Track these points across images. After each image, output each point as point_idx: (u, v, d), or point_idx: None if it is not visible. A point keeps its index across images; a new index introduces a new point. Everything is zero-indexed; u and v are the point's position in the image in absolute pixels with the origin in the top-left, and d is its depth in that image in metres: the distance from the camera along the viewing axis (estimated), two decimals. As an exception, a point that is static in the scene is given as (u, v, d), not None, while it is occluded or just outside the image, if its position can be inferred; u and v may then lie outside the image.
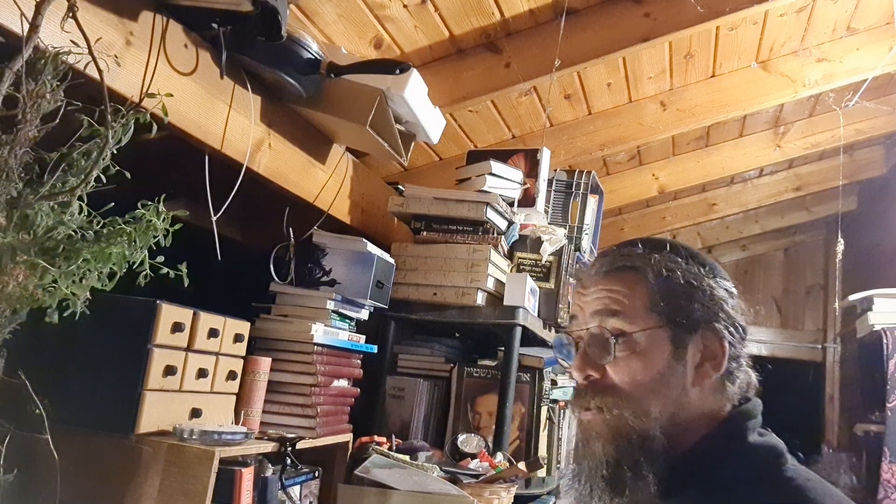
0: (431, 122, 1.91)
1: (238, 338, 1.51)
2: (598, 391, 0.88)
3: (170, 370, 1.32)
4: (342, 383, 1.83)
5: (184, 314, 1.35)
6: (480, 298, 2.09)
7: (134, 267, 1.14)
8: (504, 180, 2.25)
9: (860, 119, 3.36)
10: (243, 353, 1.54)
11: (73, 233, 1.06)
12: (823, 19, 2.49)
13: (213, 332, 1.43)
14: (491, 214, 2.10)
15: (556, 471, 2.47)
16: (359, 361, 1.91)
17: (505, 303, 2.16)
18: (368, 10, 1.84)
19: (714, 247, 5.09)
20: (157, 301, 1.29)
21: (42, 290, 1.04)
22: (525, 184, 2.33)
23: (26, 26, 0.98)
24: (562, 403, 2.54)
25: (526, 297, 2.16)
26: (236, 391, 1.53)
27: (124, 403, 1.26)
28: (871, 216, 4.39)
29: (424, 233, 2.18)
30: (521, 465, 2.00)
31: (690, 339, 0.88)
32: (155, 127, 1.16)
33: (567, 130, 2.79)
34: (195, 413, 1.40)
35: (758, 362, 0.96)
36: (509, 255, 2.33)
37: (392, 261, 2.02)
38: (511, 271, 2.31)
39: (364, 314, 1.92)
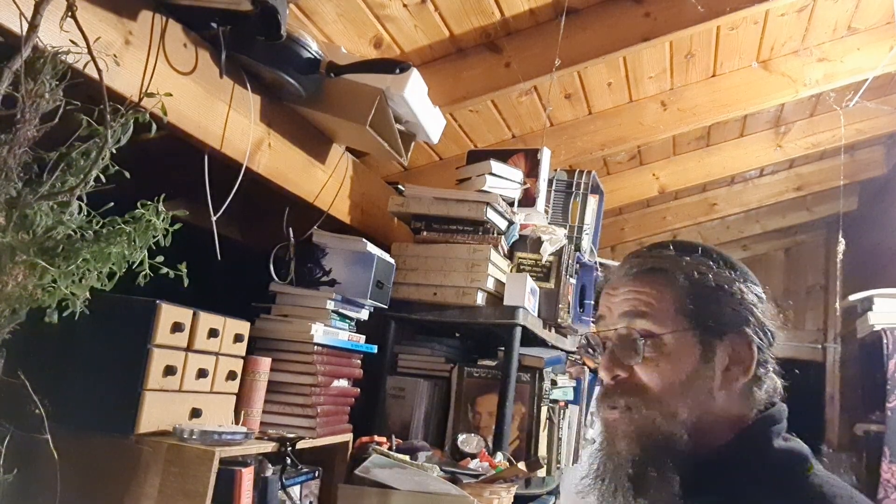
0: (431, 121, 1.91)
1: (238, 338, 1.51)
2: (626, 391, 0.89)
3: (170, 370, 1.31)
4: (342, 383, 1.83)
5: (184, 314, 1.35)
6: (480, 298, 2.09)
7: (134, 267, 1.14)
8: (504, 180, 2.25)
9: (861, 119, 3.36)
10: (243, 353, 1.54)
11: (72, 233, 1.06)
12: (824, 19, 2.49)
13: (213, 332, 1.42)
14: (491, 214, 2.10)
15: (557, 471, 2.47)
16: (359, 361, 1.91)
17: (505, 303, 2.15)
18: (368, 10, 1.84)
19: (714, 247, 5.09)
20: (157, 301, 1.29)
21: (42, 289, 1.04)
22: (525, 184, 2.33)
23: (25, 26, 0.98)
24: (562, 403, 2.54)
25: (526, 297, 2.15)
26: (236, 391, 1.53)
27: (124, 403, 1.26)
28: (871, 216, 4.39)
29: (424, 233, 2.18)
30: (521, 465, 2.00)
31: (719, 342, 0.88)
32: (154, 127, 1.16)
33: (567, 130, 2.78)
34: (195, 413, 1.40)
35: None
36: (509, 255, 2.32)
37: (392, 261, 2.02)
38: (511, 271, 2.31)
39: (364, 314, 1.92)
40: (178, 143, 1.44)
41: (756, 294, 0.91)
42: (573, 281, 2.52)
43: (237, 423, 1.53)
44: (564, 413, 2.57)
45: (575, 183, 2.62)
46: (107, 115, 1.07)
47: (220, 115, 1.50)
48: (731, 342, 0.88)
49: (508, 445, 2.13)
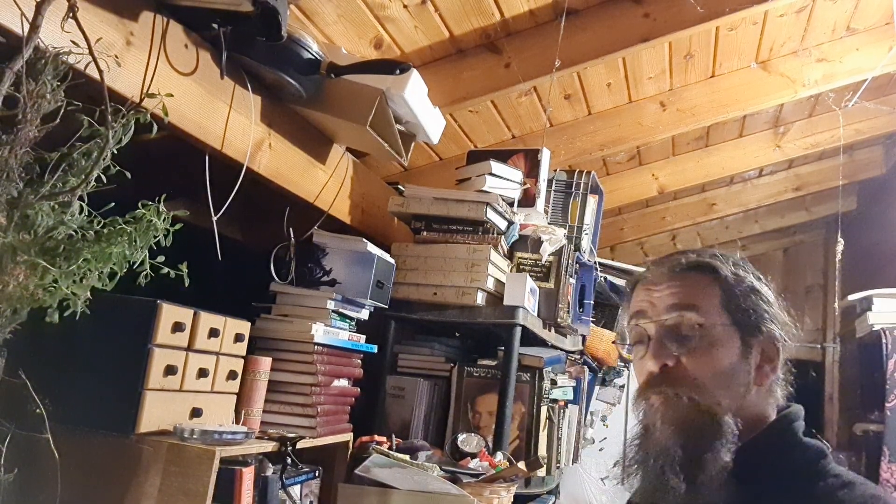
0: (431, 122, 1.91)
1: (238, 337, 1.51)
2: (673, 380, 0.93)
3: (170, 370, 1.32)
4: (342, 383, 1.83)
5: (184, 314, 1.35)
6: (480, 298, 2.10)
7: (134, 267, 1.14)
8: (504, 180, 2.25)
9: (860, 119, 3.36)
10: (244, 353, 1.54)
11: (73, 233, 1.06)
12: (823, 19, 2.49)
13: (213, 332, 1.43)
14: (491, 214, 2.11)
15: (556, 470, 2.47)
16: (359, 361, 1.91)
17: (505, 303, 2.16)
18: (368, 11, 1.84)
19: (714, 247, 5.08)
20: (158, 301, 1.29)
21: (42, 289, 1.04)
22: (525, 184, 2.33)
23: (26, 26, 0.98)
24: (561, 403, 2.54)
25: (526, 296, 2.16)
26: (237, 391, 1.53)
27: (125, 403, 1.26)
28: (870, 216, 4.39)
29: (424, 233, 2.18)
30: (521, 465, 2.01)
31: (754, 339, 0.94)
32: (155, 127, 1.17)
33: (567, 130, 2.79)
34: (196, 413, 1.40)
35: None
36: (509, 255, 2.33)
37: (392, 261, 2.02)
38: (511, 271, 2.31)
39: (364, 314, 1.92)
40: (178, 144, 1.44)
41: (776, 297, 0.98)
42: (573, 281, 2.53)
43: (237, 422, 1.54)
44: (564, 413, 2.57)
45: (574, 183, 2.63)
46: (108, 116, 1.08)
47: (221, 115, 1.51)
48: (763, 340, 0.94)
49: (508, 445, 2.13)
